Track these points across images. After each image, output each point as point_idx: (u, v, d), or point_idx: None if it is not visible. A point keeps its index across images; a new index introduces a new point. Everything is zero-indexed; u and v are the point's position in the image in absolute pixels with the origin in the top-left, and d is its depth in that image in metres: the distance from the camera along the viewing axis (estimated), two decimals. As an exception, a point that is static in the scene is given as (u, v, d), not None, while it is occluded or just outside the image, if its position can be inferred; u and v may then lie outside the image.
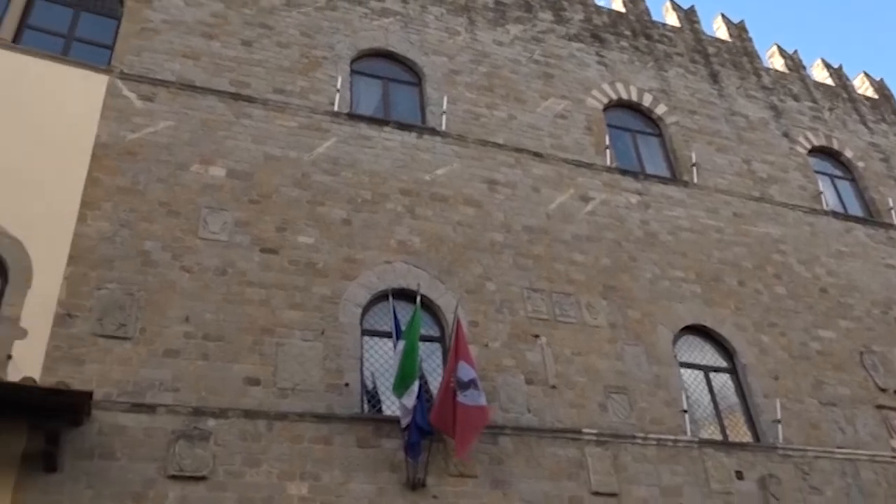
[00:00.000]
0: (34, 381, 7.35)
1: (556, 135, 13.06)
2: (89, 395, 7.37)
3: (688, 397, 10.80)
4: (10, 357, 7.89)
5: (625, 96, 14.56)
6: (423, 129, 11.99)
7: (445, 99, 12.45)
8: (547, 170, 12.42)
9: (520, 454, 9.29)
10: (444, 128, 12.11)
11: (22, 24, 10.56)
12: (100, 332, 8.46)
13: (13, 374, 7.61)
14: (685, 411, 10.54)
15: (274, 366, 8.90)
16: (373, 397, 9.36)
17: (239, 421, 8.37)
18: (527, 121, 13.00)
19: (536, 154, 12.54)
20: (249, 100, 11.01)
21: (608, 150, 13.29)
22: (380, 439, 8.81)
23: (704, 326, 11.77)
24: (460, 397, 8.58)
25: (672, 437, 10.18)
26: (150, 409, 8.14)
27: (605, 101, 14.22)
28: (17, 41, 10.37)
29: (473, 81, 13.11)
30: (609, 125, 13.90)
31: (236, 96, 10.96)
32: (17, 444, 7.32)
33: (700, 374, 11.36)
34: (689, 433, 10.36)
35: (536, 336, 10.44)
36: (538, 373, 10.11)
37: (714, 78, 16.16)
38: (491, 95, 13.06)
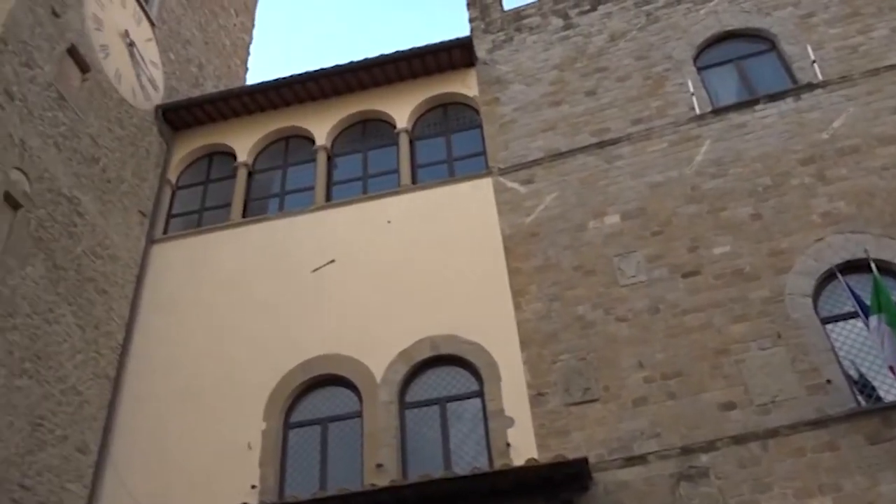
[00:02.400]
0: (536, 460, 8.10)
1: (962, 22, 10.85)
2: (585, 460, 7.86)
3: None
4: (508, 445, 8.83)
5: None
6: (798, 89, 10.88)
7: (809, 48, 11.21)
8: (969, 65, 10.31)
9: None
10: (820, 77, 10.86)
11: (413, 167, 12.30)
12: (570, 401, 9.05)
13: (517, 459, 8.49)
14: None
15: (743, 384, 8.54)
16: (864, 386, 8.38)
17: (730, 449, 8.13)
18: (918, 24, 11.04)
19: (947, 54, 10.52)
20: (614, 142, 11.20)
21: None
22: (893, 430, 7.80)
23: None
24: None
25: None
26: (641, 459, 8.34)
27: None
28: (414, 182, 12.09)
29: (832, 16, 11.60)
30: None
31: (601, 144, 11.24)
32: (540, 519, 8.06)
33: None
34: None
35: None
36: None
37: None
38: (860, 19, 11.38)
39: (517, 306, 10.05)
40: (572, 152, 11.32)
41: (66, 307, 10.14)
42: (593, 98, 11.89)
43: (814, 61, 11.03)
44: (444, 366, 9.93)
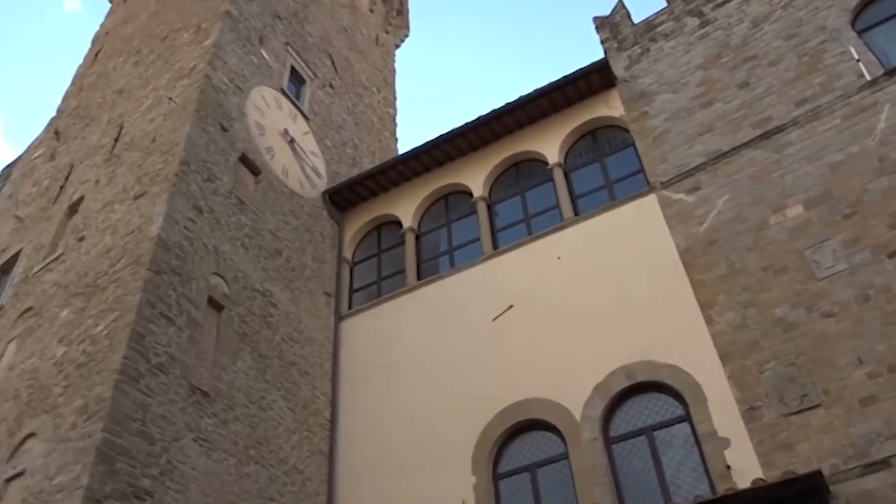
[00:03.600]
0: (763, 480, 7.54)
1: None
2: (819, 473, 7.23)
3: None
4: (728, 467, 8.30)
5: None
6: (983, 26, 9.77)
7: None
8: None
9: None
10: None
11: (573, 199, 12.19)
12: (787, 411, 8.39)
13: (741, 481, 7.94)
14: None
15: None
16: None
17: None
18: None
19: None
20: (780, 129, 10.52)
21: None
22: None
23: None
24: None
25: None
26: (884, 464, 7.55)
27: None
28: (576, 213, 11.95)
29: None
30: None
31: (766, 135, 10.60)
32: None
33: None
34: None
35: None
36: None
37: None
38: None
39: (708, 320, 9.56)
40: (736, 150, 10.75)
41: (276, 392, 10.88)
42: (747, 89, 11.27)
43: None
44: (643, 393, 9.58)
